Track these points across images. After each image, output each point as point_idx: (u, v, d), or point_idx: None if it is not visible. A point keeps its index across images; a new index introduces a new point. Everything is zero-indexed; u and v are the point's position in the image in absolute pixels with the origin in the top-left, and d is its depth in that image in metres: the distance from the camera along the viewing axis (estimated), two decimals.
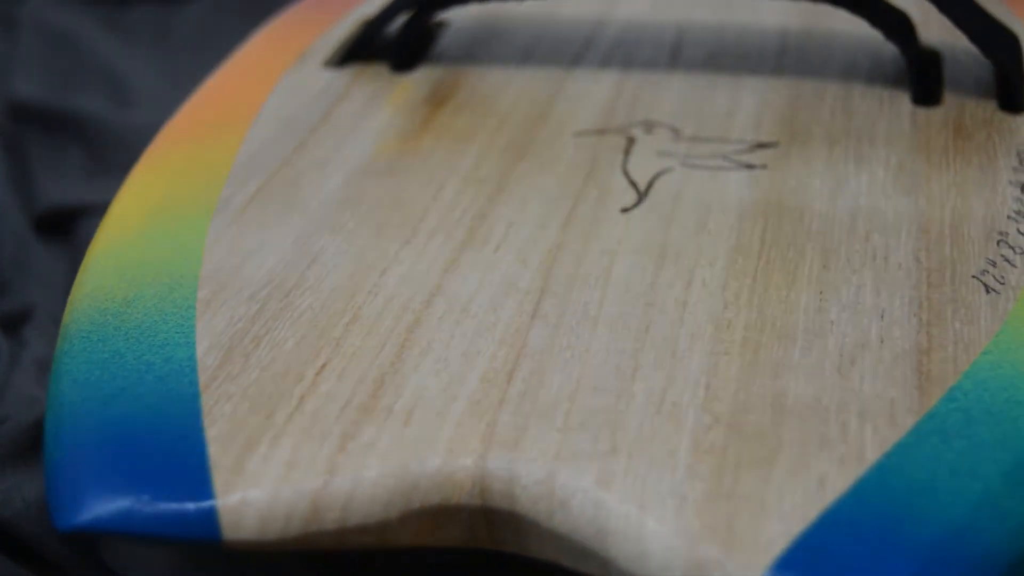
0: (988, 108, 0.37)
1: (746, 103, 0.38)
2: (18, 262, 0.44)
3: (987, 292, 0.29)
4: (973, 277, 0.30)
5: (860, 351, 0.28)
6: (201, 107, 0.39)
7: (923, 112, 0.37)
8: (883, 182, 0.34)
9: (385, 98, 0.39)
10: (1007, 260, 0.30)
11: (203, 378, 0.28)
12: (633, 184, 0.34)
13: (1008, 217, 0.32)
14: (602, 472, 0.25)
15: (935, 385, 0.27)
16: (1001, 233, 0.31)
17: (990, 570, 0.23)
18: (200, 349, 0.28)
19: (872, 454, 0.25)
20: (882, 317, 0.29)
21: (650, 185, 0.34)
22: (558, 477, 0.25)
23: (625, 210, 0.33)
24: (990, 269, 0.30)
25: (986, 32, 0.37)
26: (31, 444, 0.35)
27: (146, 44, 0.58)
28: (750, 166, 0.35)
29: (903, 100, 0.38)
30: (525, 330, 0.29)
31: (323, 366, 0.28)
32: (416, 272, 0.31)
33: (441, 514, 0.26)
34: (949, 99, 0.37)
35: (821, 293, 0.30)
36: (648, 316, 0.29)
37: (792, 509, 0.24)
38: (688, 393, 0.27)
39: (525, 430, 0.26)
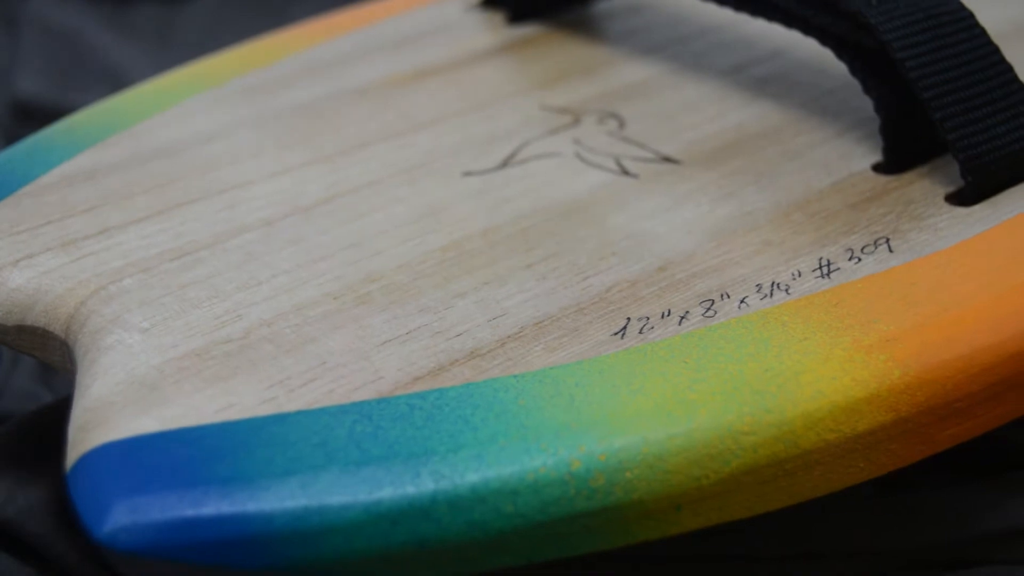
0: (932, 193, 0.33)
1: (723, 123, 0.36)
2: None
3: (614, 334, 0.28)
4: (627, 318, 0.29)
5: (425, 337, 0.29)
6: (345, 14, 0.45)
7: (866, 176, 0.34)
8: (705, 220, 0.32)
9: (465, 42, 0.42)
10: (681, 317, 0.29)
11: (24, 189, 0.35)
12: (509, 156, 0.35)
13: (756, 286, 0.30)
14: (119, 339, 0.29)
15: (433, 381, 0.27)
16: (724, 295, 0.30)
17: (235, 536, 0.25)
18: (52, 173, 0.35)
19: (291, 406, 0.27)
20: (492, 320, 0.29)
21: (522, 161, 0.35)
22: (98, 335, 0.29)
23: (467, 174, 0.35)
24: (650, 319, 0.29)
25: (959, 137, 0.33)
26: (32, 443, 0.35)
27: (148, 42, 0.58)
28: (625, 172, 0.34)
29: (869, 161, 0.34)
30: (246, 232, 0.32)
31: (94, 208, 0.34)
32: (254, 169, 0.35)
33: (43, 336, 0.31)
34: (913, 173, 0.34)
35: (486, 284, 0.30)
36: (335, 253, 0.31)
37: (158, 420, 0.26)
38: (257, 313, 0.29)
39: (127, 295, 0.30)
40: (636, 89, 0.39)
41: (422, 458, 0.25)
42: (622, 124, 0.37)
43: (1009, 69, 0.34)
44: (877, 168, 0.34)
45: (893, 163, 0.34)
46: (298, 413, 0.26)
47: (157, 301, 0.30)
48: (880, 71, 0.34)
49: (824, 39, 0.35)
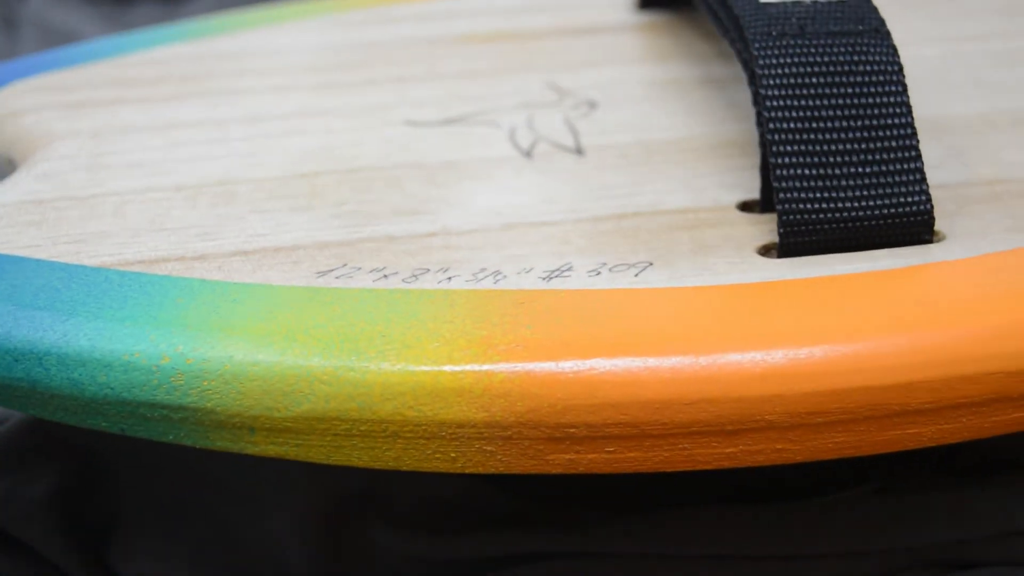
0: (759, 239, 0.31)
1: (677, 132, 0.36)
2: None
3: (318, 272, 0.31)
4: (344, 263, 0.31)
5: (190, 235, 0.32)
6: None
7: (720, 209, 0.32)
8: (526, 208, 0.33)
9: (574, 17, 0.44)
10: (385, 276, 0.30)
11: (110, 59, 0.42)
12: (459, 117, 0.37)
13: (480, 269, 0.31)
14: (15, 178, 0.35)
15: (147, 267, 0.31)
16: (443, 270, 0.31)
17: None
18: (145, 53, 0.42)
19: (38, 255, 0.32)
20: (251, 237, 0.32)
21: (464, 123, 0.37)
22: (14, 171, 0.36)
23: (408, 123, 0.37)
24: (360, 269, 0.31)
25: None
26: (32, 443, 0.36)
27: None
28: (527, 153, 0.35)
29: (750, 197, 0.33)
30: (194, 127, 0.37)
31: (132, 84, 0.40)
32: (269, 82, 0.40)
33: (9, 163, 0.38)
34: (769, 216, 0.32)
35: (291, 210, 0.33)
36: (228, 156, 0.36)
37: None
38: (116, 186, 0.34)
39: (62, 150, 0.36)
40: (650, 87, 0.39)
41: (64, 316, 0.30)
42: (589, 113, 0.37)
43: (908, 136, 0.31)
44: (745, 205, 0.33)
45: (762, 202, 0.32)
46: (30, 259, 0.31)
47: (72, 158, 0.36)
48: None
49: (744, 64, 0.33)
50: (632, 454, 0.28)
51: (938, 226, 0.31)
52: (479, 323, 0.29)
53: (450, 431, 0.28)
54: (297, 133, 0.37)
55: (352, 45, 0.42)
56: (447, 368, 0.28)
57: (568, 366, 0.28)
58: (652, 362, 0.27)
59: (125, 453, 0.38)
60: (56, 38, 0.60)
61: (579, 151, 0.35)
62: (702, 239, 0.31)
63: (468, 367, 0.28)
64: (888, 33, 0.32)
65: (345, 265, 0.31)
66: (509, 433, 0.28)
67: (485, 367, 0.28)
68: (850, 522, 0.35)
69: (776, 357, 0.27)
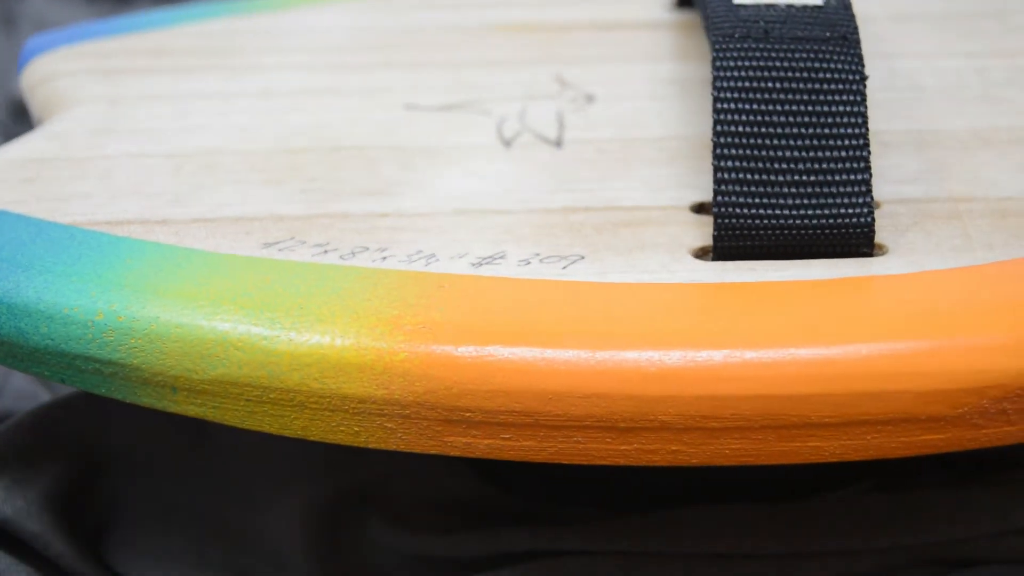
0: (701, 241, 0.31)
1: (663, 130, 0.36)
2: None
3: (265, 243, 0.32)
4: (292, 237, 0.32)
5: (162, 200, 0.34)
6: None
7: (673, 209, 0.32)
8: (487, 196, 0.33)
9: (608, 10, 0.44)
10: (326, 251, 0.31)
11: (155, 31, 0.44)
12: (456, 103, 0.38)
13: (416, 251, 0.31)
14: (33, 135, 0.37)
15: (111, 228, 0.33)
16: (382, 249, 0.31)
17: None
18: (185, 26, 0.44)
19: (20, 210, 0.34)
20: (218, 206, 0.33)
21: (459, 110, 0.38)
22: (35, 127, 0.38)
23: (407, 106, 0.38)
24: (305, 243, 0.32)
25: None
26: (32, 442, 0.36)
27: None
28: (506, 143, 0.36)
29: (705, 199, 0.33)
30: (209, 98, 0.39)
31: (166, 54, 0.42)
32: (295, 59, 0.41)
33: (39, 121, 0.40)
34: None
35: (264, 183, 0.34)
36: (224, 131, 0.37)
37: None
38: (112, 149, 0.36)
39: (82, 112, 0.38)
40: (656, 85, 0.38)
41: (20, 269, 0.31)
42: (584, 107, 0.37)
43: (859, 148, 0.30)
44: (702, 207, 0.32)
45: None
46: (9, 213, 0.33)
47: (83, 122, 0.38)
48: None
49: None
50: (527, 443, 0.28)
51: (887, 241, 0.31)
52: (394, 303, 0.29)
53: (352, 405, 0.28)
54: (298, 110, 0.38)
55: (382, 29, 0.43)
56: (351, 343, 0.28)
57: (466, 351, 0.28)
58: (549, 353, 0.28)
59: (125, 453, 0.39)
60: None
61: (558, 144, 0.36)
62: (643, 237, 0.31)
63: (372, 344, 0.28)
64: (857, 41, 0.31)
65: (292, 238, 0.32)
66: (408, 412, 0.28)
67: (387, 346, 0.28)
68: (849, 521, 0.35)
69: (673, 358, 0.27)
